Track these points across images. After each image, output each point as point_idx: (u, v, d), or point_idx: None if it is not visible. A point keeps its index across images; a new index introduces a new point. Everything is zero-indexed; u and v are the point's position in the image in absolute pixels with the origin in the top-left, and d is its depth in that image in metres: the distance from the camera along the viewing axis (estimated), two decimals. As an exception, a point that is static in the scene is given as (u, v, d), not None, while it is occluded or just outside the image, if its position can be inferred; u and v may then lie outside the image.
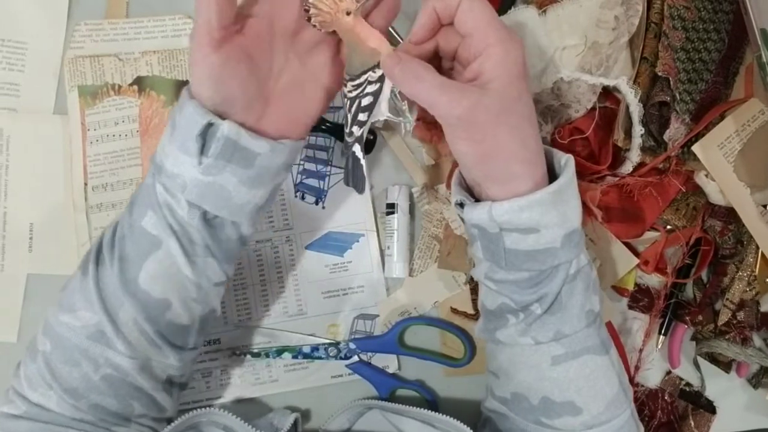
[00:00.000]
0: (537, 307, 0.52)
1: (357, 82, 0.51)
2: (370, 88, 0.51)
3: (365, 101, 0.51)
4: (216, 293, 0.57)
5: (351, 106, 0.52)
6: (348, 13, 0.49)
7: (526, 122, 0.49)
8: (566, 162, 0.51)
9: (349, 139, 0.53)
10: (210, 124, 0.49)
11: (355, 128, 0.52)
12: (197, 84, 0.50)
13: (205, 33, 0.47)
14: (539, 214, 0.49)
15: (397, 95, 0.53)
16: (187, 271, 0.53)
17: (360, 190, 0.54)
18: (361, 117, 0.52)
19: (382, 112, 0.52)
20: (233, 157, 0.49)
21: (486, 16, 0.47)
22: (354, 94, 0.51)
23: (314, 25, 0.50)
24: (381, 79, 0.50)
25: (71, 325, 0.53)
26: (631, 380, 0.66)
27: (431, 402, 0.66)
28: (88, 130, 0.69)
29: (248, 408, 0.68)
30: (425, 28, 0.50)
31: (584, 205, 0.60)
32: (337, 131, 0.68)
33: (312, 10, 0.49)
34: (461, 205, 0.53)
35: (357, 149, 0.53)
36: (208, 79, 0.49)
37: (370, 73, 0.50)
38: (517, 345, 0.54)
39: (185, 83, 0.69)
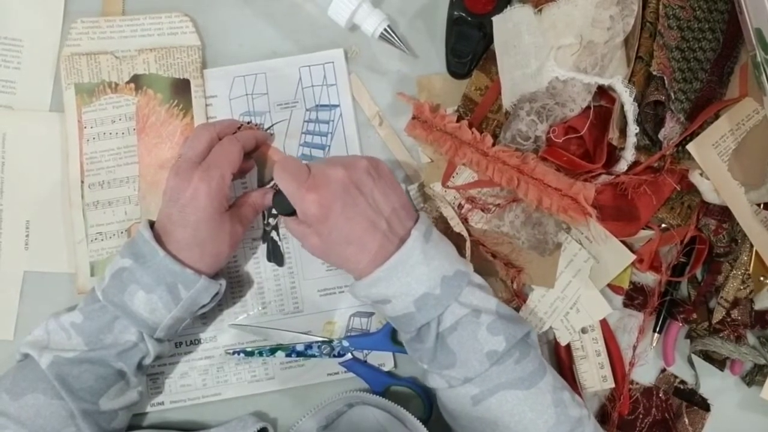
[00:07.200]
0: (424, 363, 0.58)
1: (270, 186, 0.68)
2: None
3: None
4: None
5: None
6: None
7: (341, 228, 0.57)
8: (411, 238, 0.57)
9: (267, 228, 0.69)
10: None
11: (271, 219, 0.68)
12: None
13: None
14: (384, 288, 0.56)
15: None
16: None
17: (280, 264, 0.68)
18: (274, 211, 0.67)
19: None
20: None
21: (289, 192, 0.58)
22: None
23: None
24: None
25: None
26: (626, 377, 0.66)
27: (426, 399, 0.66)
28: (85, 127, 0.69)
29: (241, 405, 0.68)
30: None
31: (578, 204, 0.60)
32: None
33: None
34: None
35: (274, 234, 0.68)
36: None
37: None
38: (438, 389, 0.59)
39: (182, 81, 0.69)
